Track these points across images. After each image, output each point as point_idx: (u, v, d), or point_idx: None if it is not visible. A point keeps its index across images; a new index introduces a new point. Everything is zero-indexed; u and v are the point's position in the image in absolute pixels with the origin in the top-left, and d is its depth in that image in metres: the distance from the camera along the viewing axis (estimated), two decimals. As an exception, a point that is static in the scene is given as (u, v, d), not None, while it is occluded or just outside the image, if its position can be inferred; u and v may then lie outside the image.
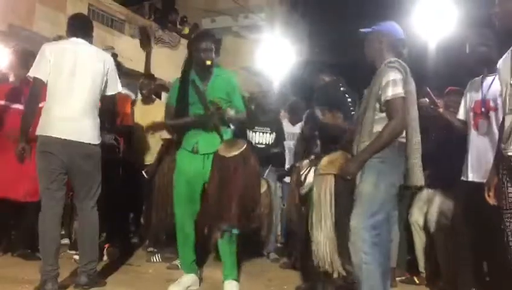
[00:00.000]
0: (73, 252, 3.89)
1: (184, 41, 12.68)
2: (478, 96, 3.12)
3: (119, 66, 4.11)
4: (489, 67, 3.06)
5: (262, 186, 3.72)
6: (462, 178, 3.11)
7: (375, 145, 2.58)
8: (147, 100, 4.69)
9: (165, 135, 4.47)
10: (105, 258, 3.97)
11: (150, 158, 4.47)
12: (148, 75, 4.93)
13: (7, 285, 3.10)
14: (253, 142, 4.61)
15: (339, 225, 2.89)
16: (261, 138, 4.65)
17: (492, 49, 3.06)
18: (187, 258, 3.42)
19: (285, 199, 4.64)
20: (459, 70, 3.45)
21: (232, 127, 3.57)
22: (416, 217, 3.78)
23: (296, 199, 3.72)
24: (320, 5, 15.09)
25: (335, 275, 2.94)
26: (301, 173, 3.90)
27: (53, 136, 2.98)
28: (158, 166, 4.12)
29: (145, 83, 4.77)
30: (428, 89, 3.26)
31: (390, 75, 2.58)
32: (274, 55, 12.16)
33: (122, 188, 4.28)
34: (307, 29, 15.68)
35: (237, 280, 3.32)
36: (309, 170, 3.97)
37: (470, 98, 3.19)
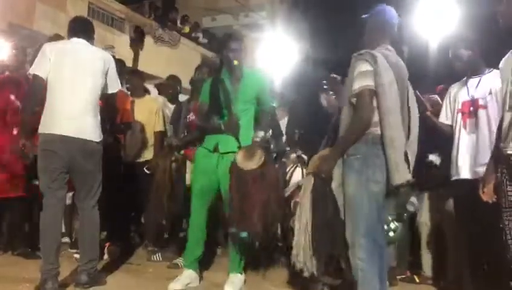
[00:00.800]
0: (74, 251, 3.90)
1: (184, 40, 12.70)
2: (464, 96, 3.17)
3: (120, 66, 4.13)
4: (473, 69, 3.15)
5: None
6: (454, 177, 3.15)
7: (342, 141, 2.51)
8: (136, 94, 4.62)
9: (158, 127, 4.46)
10: (105, 257, 3.98)
11: (146, 153, 4.45)
12: (133, 70, 4.89)
13: (7, 284, 3.10)
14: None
15: (314, 225, 2.81)
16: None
17: (475, 52, 3.12)
18: (193, 253, 3.45)
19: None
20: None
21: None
22: (424, 217, 3.75)
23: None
24: (321, 3, 15.08)
25: (306, 275, 2.82)
26: (287, 170, 3.91)
27: (55, 133, 2.99)
28: (158, 161, 4.12)
29: (130, 79, 4.72)
30: (418, 92, 3.25)
31: (358, 68, 2.47)
32: (275, 54, 12.15)
33: (123, 186, 4.28)
34: (308, 27, 15.67)
35: (242, 273, 3.40)
36: (295, 168, 3.98)
37: (454, 100, 3.24)
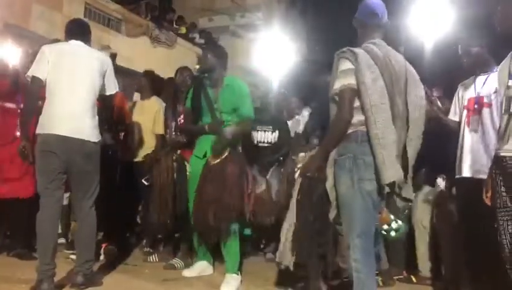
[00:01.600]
0: (70, 251, 3.90)
1: (181, 41, 12.69)
2: (471, 94, 3.16)
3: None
4: (482, 67, 3.13)
5: (260, 187, 3.75)
6: (457, 176, 3.15)
7: (326, 139, 2.50)
8: (143, 96, 4.66)
9: (159, 130, 4.47)
10: (102, 257, 3.98)
11: (144, 153, 4.43)
12: (146, 72, 4.91)
13: (3, 285, 3.09)
14: (256, 141, 4.65)
15: (301, 226, 2.81)
16: (263, 136, 4.68)
17: (484, 50, 3.11)
18: (202, 247, 3.71)
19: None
20: (455, 70, 3.47)
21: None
22: (420, 216, 3.76)
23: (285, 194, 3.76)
24: (318, 4, 15.10)
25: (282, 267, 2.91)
26: (295, 169, 3.92)
27: (53, 133, 3.00)
28: (155, 165, 4.12)
29: (139, 80, 4.76)
30: (427, 88, 3.27)
31: (339, 66, 2.43)
32: (272, 54, 12.15)
33: (120, 187, 4.28)
34: (305, 28, 15.69)
35: (236, 273, 3.44)
36: None
37: (462, 97, 3.23)
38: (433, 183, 3.72)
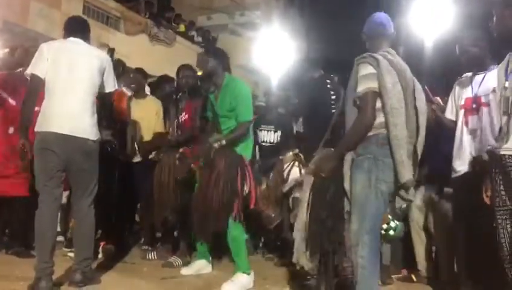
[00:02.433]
0: (68, 250, 3.89)
1: (180, 39, 12.68)
2: (468, 93, 3.16)
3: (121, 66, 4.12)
4: (479, 65, 3.14)
5: (260, 186, 3.76)
6: (453, 175, 3.16)
7: (344, 141, 2.58)
8: (138, 95, 4.61)
9: (158, 129, 4.46)
10: (100, 255, 3.97)
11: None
12: (137, 69, 4.87)
13: (1, 282, 3.09)
14: (260, 140, 4.66)
15: (313, 223, 2.84)
16: (266, 136, 4.68)
17: (482, 50, 3.12)
18: (201, 246, 3.74)
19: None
20: (455, 68, 3.47)
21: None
22: (416, 216, 3.76)
23: (278, 194, 3.76)
24: (316, 2, 15.10)
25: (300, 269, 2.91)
26: (284, 167, 3.93)
27: (52, 131, 2.99)
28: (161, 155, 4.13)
29: (135, 77, 4.70)
30: (426, 87, 3.27)
31: (361, 71, 2.55)
32: (270, 53, 12.15)
33: (118, 185, 4.27)
34: (304, 26, 15.69)
35: (247, 273, 3.40)
36: (292, 165, 4.00)
37: (458, 96, 3.23)
38: (430, 184, 3.71)
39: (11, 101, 3.90)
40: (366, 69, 2.53)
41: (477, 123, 3.06)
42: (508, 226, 2.29)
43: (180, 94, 4.31)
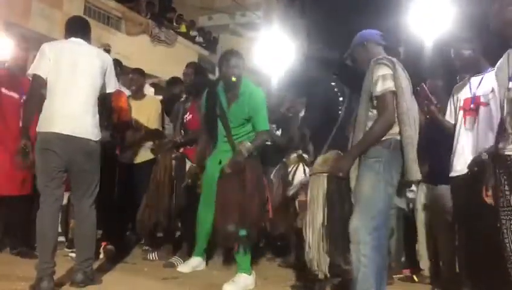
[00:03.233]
0: (70, 250, 3.89)
1: (181, 39, 12.68)
2: (466, 94, 3.19)
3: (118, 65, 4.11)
4: (474, 68, 3.18)
5: None
6: (451, 174, 3.16)
7: (365, 140, 2.61)
8: (137, 95, 4.60)
9: (154, 125, 4.45)
10: (101, 256, 3.97)
11: (144, 154, 4.44)
12: (137, 70, 4.86)
13: (2, 282, 3.09)
14: None
15: (330, 225, 2.88)
16: None
17: (476, 53, 3.16)
18: (200, 244, 3.78)
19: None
20: (454, 69, 3.47)
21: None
22: (420, 216, 3.77)
23: (281, 197, 3.76)
24: (317, 2, 15.10)
25: (320, 276, 2.95)
26: (289, 169, 3.92)
27: (54, 131, 2.98)
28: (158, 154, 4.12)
29: (134, 78, 4.67)
30: (424, 86, 3.28)
31: (379, 71, 2.61)
32: (271, 53, 12.15)
33: (119, 186, 4.27)
34: (305, 26, 15.69)
35: (248, 273, 3.40)
36: (297, 167, 3.99)
37: (457, 99, 3.26)
38: (432, 183, 3.71)
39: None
40: (383, 70, 2.60)
41: (476, 123, 3.07)
42: (512, 226, 2.29)
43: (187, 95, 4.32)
